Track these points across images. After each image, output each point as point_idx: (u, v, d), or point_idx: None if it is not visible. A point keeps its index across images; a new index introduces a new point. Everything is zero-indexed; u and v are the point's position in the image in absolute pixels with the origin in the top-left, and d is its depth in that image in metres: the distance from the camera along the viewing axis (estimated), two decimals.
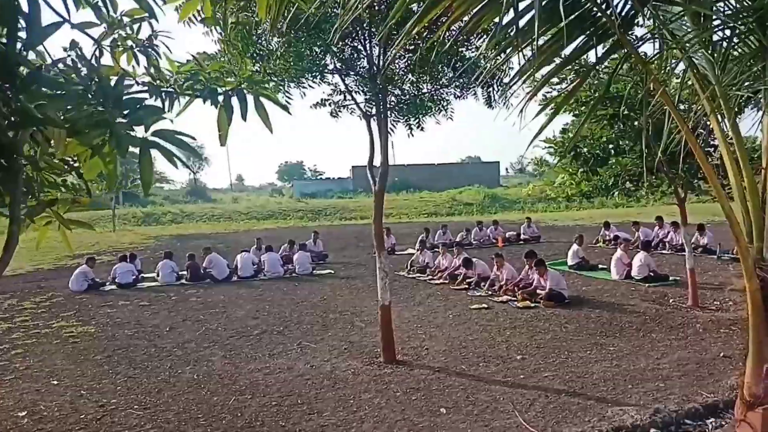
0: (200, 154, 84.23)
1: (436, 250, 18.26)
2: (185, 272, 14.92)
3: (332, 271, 15.73)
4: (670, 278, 11.80)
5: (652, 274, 11.61)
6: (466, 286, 12.26)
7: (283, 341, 8.79)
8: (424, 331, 9.06)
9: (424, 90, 8.59)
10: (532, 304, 10.35)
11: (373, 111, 8.03)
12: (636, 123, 9.90)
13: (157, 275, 14.76)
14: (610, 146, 9.87)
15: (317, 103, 8.02)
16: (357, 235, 26.24)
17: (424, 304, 11.14)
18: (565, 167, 10.09)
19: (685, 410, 5.62)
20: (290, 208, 40.01)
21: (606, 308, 9.90)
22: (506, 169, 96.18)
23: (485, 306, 10.49)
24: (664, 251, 15.81)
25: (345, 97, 8.22)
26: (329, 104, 8.07)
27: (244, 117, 2.76)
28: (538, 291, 10.62)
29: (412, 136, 8.92)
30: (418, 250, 15.38)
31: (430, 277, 13.77)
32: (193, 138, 2.64)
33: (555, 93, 10.37)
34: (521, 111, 3.56)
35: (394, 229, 27.48)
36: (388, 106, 8.16)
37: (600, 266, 13.81)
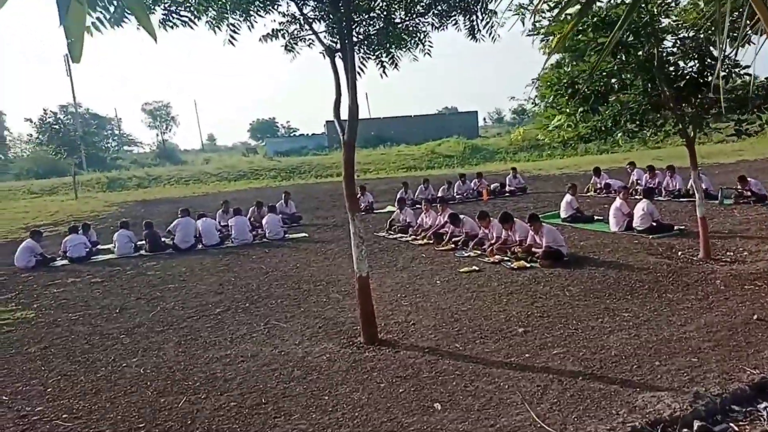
0: (167, 113, 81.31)
1: (418, 206, 17.20)
2: (144, 242, 13.61)
3: (306, 235, 14.54)
4: (675, 228, 10.85)
5: (654, 224, 10.64)
6: (453, 246, 11.19)
7: (249, 320, 7.65)
8: (410, 301, 7.97)
9: (397, 19, 7.25)
10: (528, 264, 9.32)
11: (338, 45, 6.71)
12: (640, 53, 8.69)
13: (114, 247, 13.42)
14: (612, 80, 8.65)
15: (268, 34, 6.62)
16: (332, 193, 25.00)
17: (408, 268, 10.05)
18: (560, 108, 8.83)
19: (731, 393, 4.63)
20: (263, 168, 38.35)
21: (610, 266, 8.90)
22: (484, 119, 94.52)
23: (476, 269, 9.43)
24: (660, 197, 14.87)
25: (302, 27, 6.85)
26: (282, 36, 6.68)
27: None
28: (533, 249, 9.58)
29: (385, 75, 7.60)
30: (397, 208, 14.19)
31: (413, 237, 12.66)
32: None
33: (545, 23, 9.14)
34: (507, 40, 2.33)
35: (372, 186, 26.30)
36: (354, 38, 6.87)
37: (596, 217, 12.84)
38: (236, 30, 6.32)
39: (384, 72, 7.54)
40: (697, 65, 8.99)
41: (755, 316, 6.22)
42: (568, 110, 8.82)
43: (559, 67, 8.74)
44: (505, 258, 9.85)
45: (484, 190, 18.39)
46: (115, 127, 79.13)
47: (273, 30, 6.45)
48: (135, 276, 11.16)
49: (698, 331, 5.95)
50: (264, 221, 14.28)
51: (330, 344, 6.48)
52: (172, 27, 5.77)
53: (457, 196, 18.54)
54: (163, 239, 13.62)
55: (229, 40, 6.38)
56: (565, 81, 8.60)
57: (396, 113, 72.43)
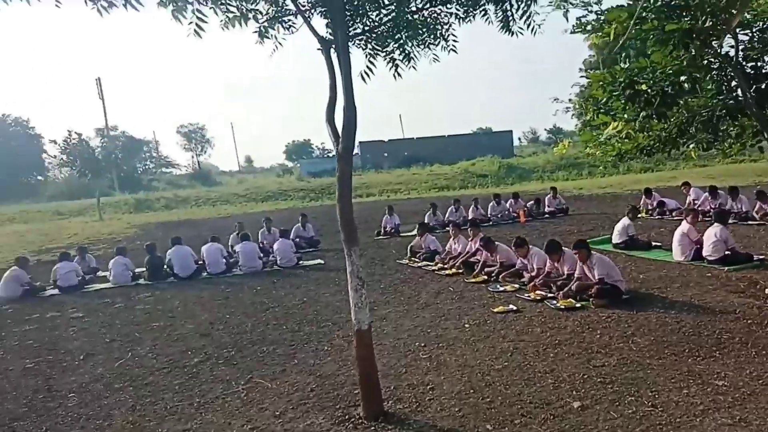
0: (202, 135, 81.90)
1: (447, 229, 15.60)
2: (144, 269, 12.36)
3: (322, 262, 13.05)
4: (755, 258, 8.95)
5: (729, 253, 8.77)
6: (486, 278, 9.52)
7: (228, 376, 6.15)
8: (430, 353, 6.35)
9: (413, 6, 5.79)
10: (578, 304, 7.61)
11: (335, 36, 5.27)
12: (715, 43, 7.01)
13: (109, 275, 12.20)
14: (682, 79, 6.95)
15: (235, 16, 5.16)
16: (359, 214, 23.57)
17: (431, 306, 8.43)
18: (616, 113, 7.17)
19: None
20: (291, 188, 37.27)
21: (684, 308, 7.10)
22: (519, 138, 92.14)
23: (513, 308, 7.75)
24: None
25: (295, 16, 5.44)
26: (255, 18, 5.23)
27: None
28: (583, 284, 7.87)
29: (399, 76, 6.11)
30: (418, 234, 12.57)
31: (440, 266, 11.03)
32: None
33: (592, 16, 7.54)
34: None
35: (401, 207, 24.80)
36: (358, 29, 5.47)
37: (653, 243, 10.99)
38: (203, 19, 4.92)
39: (397, 72, 6.06)
40: None
41: None
42: (626, 116, 7.16)
43: (614, 63, 7.08)
44: (549, 295, 8.15)
45: (520, 212, 16.64)
46: (153, 150, 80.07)
47: (243, 12, 5.00)
48: (121, 311, 9.83)
49: None
50: (275, 246, 12.87)
51: (319, 418, 4.91)
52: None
53: (492, 217, 16.83)
54: (165, 267, 12.34)
55: (195, 30, 4.98)
56: (622, 80, 6.94)
57: (430, 133, 71.19)
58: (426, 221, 15.54)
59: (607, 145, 7.75)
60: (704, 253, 9.02)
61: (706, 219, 12.00)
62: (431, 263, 11.34)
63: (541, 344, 6.27)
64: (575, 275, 7.96)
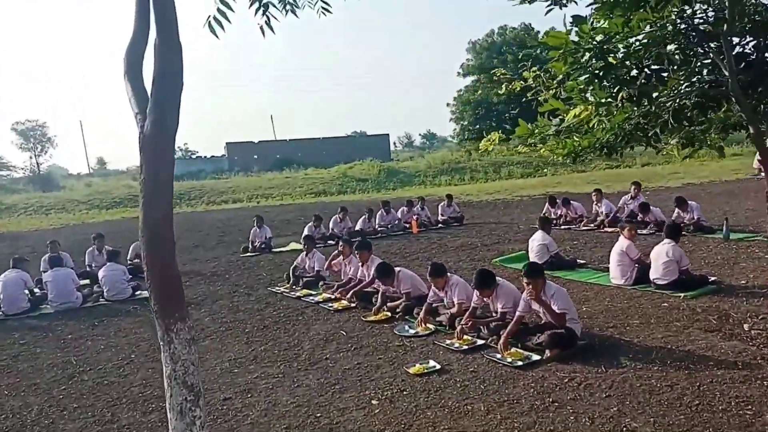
0: (43, 133, 71.92)
1: (330, 243, 13.16)
2: None
3: None
4: (710, 279, 7.46)
5: (683, 276, 7.19)
6: (387, 314, 7.19)
7: None
8: None
9: None
10: (524, 354, 5.49)
11: None
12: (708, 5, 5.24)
13: None
14: (670, 48, 5.06)
15: None
16: (222, 225, 20.41)
17: (318, 364, 5.90)
18: (581, 94, 5.15)
19: None
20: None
21: (663, 359, 5.22)
22: (394, 143, 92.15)
23: (435, 366, 5.46)
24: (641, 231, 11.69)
25: None
26: None
27: None
28: (526, 323, 5.81)
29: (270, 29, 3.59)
30: (303, 250, 9.95)
31: (325, 295, 8.52)
32: None
33: None
34: None
35: (273, 215, 21.92)
36: None
37: (579, 261, 9.31)
38: None
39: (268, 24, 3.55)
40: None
41: None
42: (592, 98, 5.16)
43: (581, 23, 5.01)
44: (478, 341, 5.99)
45: (413, 221, 14.59)
46: None
47: None
48: None
49: None
50: (101, 274, 9.58)
51: None
52: None
53: (380, 228, 14.61)
54: None
55: None
56: (590, 47, 4.89)
57: (302, 135, 68.52)
58: (307, 233, 12.92)
59: (557, 140, 5.73)
60: (652, 276, 7.37)
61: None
62: (314, 292, 8.80)
63: None
64: (518, 313, 5.83)
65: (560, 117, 5.69)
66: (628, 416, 4.22)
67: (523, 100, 6.38)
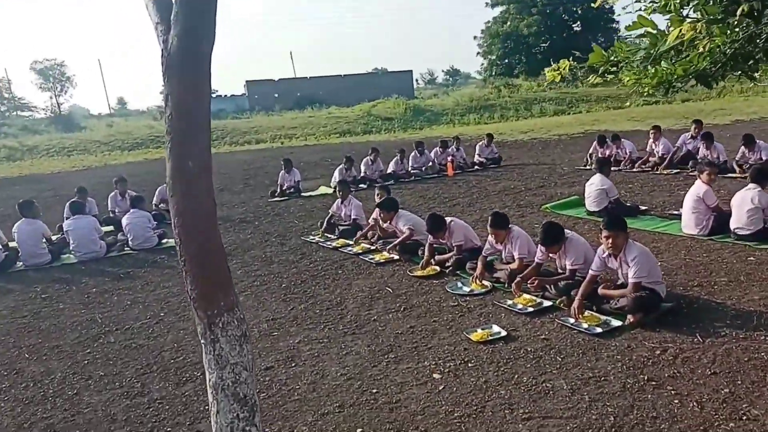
0: (62, 72, 71.04)
1: (362, 186, 12.47)
2: None
3: None
4: None
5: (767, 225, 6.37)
6: (436, 269, 6.53)
7: None
8: None
9: None
10: (602, 318, 4.82)
11: None
12: None
13: None
14: None
15: None
16: (247, 166, 19.77)
17: (366, 327, 5.31)
18: (678, 11, 4.22)
19: None
20: (164, 134, 31.75)
21: (763, 321, 4.52)
22: (416, 80, 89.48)
23: (500, 332, 4.82)
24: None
25: None
26: None
27: None
28: (602, 284, 5.11)
29: None
30: (339, 194, 9.18)
31: (363, 244, 7.88)
32: None
33: None
34: None
35: (298, 156, 21.18)
36: None
37: (641, 207, 8.49)
38: None
39: None
40: None
41: None
42: (707, 13, 4.22)
43: None
44: (544, 302, 5.32)
45: (448, 163, 13.74)
46: (4, 90, 68.44)
47: None
48: None
49: None
50: (125, 222, 9.04)
51: None
52: None
53: (413, 171, 13.81)
54: None
55: None
56: None
57: (323, 73, 66.66)
58: (339, 177, 12.20)
59: (641, 69, 4.83)
60: (733, 226, 6.55)
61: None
62: (351, 242, 8.16)
63: (586, 426, 3.39)
64: (591, 271, 5.12)
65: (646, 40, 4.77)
66: (744, 400, 3.56)
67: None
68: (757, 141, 10.07)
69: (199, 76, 2.30)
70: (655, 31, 4.64)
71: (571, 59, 5.57)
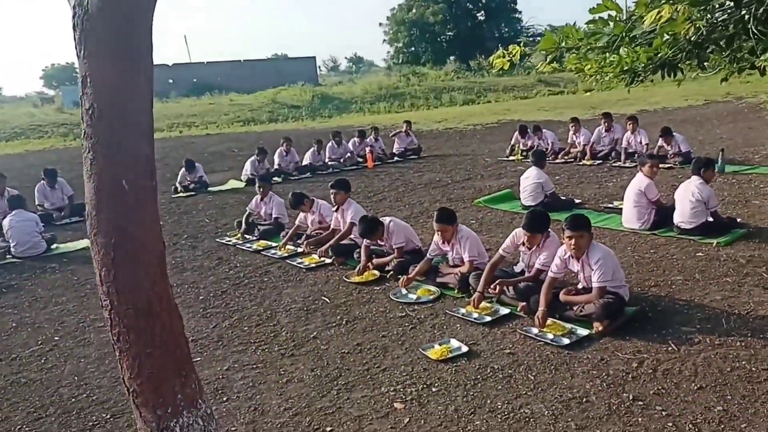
0: None
1: (276, 179, 11.62)
2: None
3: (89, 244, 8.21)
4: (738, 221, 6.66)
5: (710, 219, 6.33)
6: (375, 274, 5.94)
7: None
8: None
9: None
10: (566, 328, 4.44)
11: None
12: None
13: None
14: None
15: None
16: None
17: (306, 346, 4.61)
18: None
19: None
20: (48, 122, 28.67)
21: (732, 324, 4.34)
22: (319, 67, 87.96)
23: (460, 348, 4.31)
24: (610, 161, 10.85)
25: None
26: None
27: None
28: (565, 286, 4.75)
29: None
30: (258, 190, 8.23)
31: (289, 246, 7.12)
32: None
33: None
34: None
35: (200, 147, 19.78)
36: None
37: (576, 200, 8.34)
38: None
39: None
40: None
41: None
42: None
43: None
44: (501, 308, 4.88)
45: (368, 154, 13.12)
46: None
47: None
48: None
49: None
50: (5, 226, 7.66)
51: None
52: None
53: (331, 163, 13.07)
54: None
55: None
56: None
57: (220, 58, 63.69)
58: (251, 169, 11.21)
59: (601, 57, 4.47)
60: (676, 220, 6.47)
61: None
62: (273, 243, 7.36)
63: None
64: (551, 273, 4.72)
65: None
66: (740, 419, 3.27)
67: None
68: (674, 133, 10.33)
69: (134, 48, 1.53)
70: (620, 15, 4.30)
71: (523, 44, 5.15)
